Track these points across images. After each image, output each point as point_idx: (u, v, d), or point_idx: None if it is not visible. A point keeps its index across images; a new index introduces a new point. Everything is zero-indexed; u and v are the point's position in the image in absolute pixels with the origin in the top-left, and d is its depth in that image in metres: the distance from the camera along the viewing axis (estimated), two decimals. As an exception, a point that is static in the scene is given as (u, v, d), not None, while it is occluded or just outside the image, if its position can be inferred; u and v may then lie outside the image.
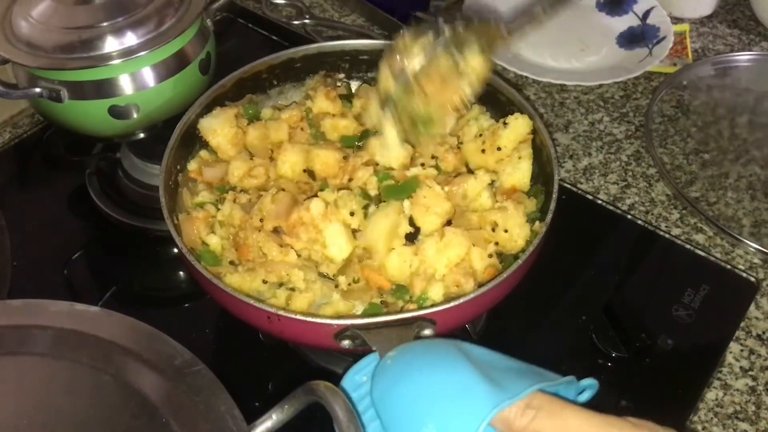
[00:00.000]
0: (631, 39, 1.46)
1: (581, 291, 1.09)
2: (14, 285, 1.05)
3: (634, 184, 1.23)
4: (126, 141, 1.17)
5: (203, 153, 1.03)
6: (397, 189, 0.94)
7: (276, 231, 0.92)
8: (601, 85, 1.39)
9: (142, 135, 1.10)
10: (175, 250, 0.87)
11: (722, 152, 1.27)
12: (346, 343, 0.79)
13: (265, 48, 1.44)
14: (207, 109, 1.03)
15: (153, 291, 1.13)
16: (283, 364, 0.99)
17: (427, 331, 0.79)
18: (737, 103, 1.35)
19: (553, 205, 0.90)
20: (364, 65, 1.14)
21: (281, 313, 0.79)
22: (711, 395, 0.98)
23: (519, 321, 1.02)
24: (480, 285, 0.88)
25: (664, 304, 1.05)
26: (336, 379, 0.96)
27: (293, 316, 0.80)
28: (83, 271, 1.15)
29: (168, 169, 0.95)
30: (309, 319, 0.80)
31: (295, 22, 1.48)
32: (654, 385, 0.98)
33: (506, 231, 0.92)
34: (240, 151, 1.03)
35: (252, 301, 0.80)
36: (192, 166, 1.01)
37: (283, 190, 0.95)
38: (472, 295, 0.81)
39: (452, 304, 0.80)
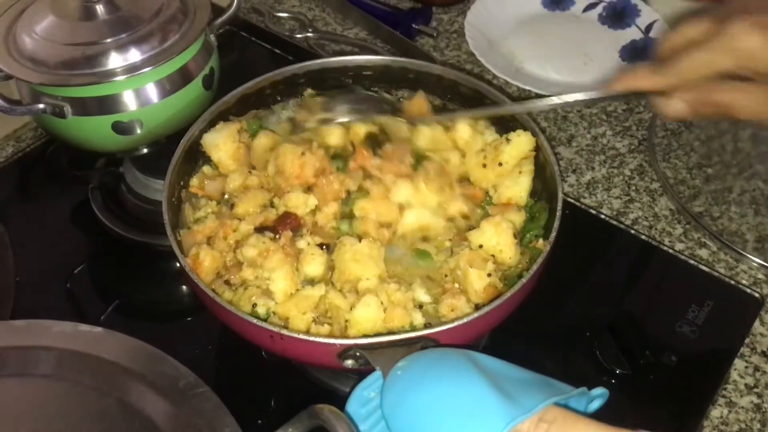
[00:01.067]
0: (634, 52, 1.46)
1: (585, 307, 1.09)
2: (17, 300, 1.05)
3: (638, 199, 1.23)
4: (129, 156, 1.17)
5: (206, 168, 1.04)
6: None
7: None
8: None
9: (145, 150, 1.10)
10: (178, 265, 0.87)
11: (725, 166, 1.27)
12: (349, 362, 0.79)
13: (268, 61, 1.44)
14: (211, 125, 1.03)
15: (155, 305, 1.13)
16: (287, 382, 0.99)
17: None
18: (740, 117, 1.35)
19: (557, 224, 0.89)
20: (368, 81, 1.14)
21: (284, 332, 0.79)
22: (716, 413, 0.98)
23: (521, 338, 1.01)
24: (480, 305, 0.88)
25: (668, 320, 1.05)
26: (340, 397, 0.96)
27: (296, 335, 0.79)
28: (86, 286, 1.14)
29: (171, 186, 0.95)
30: (312, 338, 0.80)
31: (298, 36, 1.48)
32: (658, 402, 0.98)
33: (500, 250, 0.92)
34: (241, 166, 1.03)
35: (254, 321, 0.80)
36: (194, 181, 1.01)
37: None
38: (474, 316, 0.81)
39: (455, 324, 0.80)
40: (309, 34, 1.48)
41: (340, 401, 0.96)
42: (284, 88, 1.11)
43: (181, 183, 1.00)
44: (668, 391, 0.98)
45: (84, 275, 1.15)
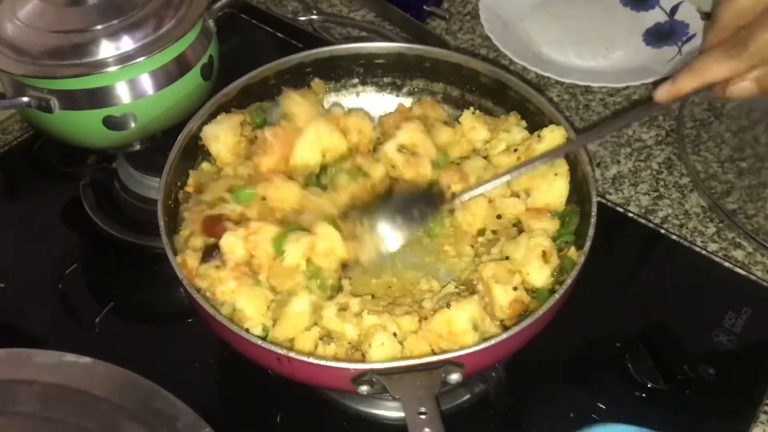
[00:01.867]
0: (658, 36, 1.37)
1: (613, 314, 1.01)
2: (8, 301, 1.01)
3: (667, 195, 1.15)
4: (122, 152, 1.09)
5: (205, 165, 0.96)
6: None
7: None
8: (627, 87, 1.30)
9: (139, 146, 1.02)
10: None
11: (759, 160, 1.19)
12: (364, 389, 0.72)
13: (270, 46, 1.36)
14: (210, 119, 0.95)
15: (151, 307, 1.06)
16: (294, 399, 0.91)
17: (454, 376, 0.72)
18: (774, 105, 1.27)
19: (591, 231, 0.82)
20: (380, 69, 1.06)
21: (292, 355, 0.72)
22: (758, 431, 0.91)
23: (547, 350, 0.94)
24: (505, 321, 0.82)
25: (703, 329, 0.98)
26: (352, 416, 0.90)
27: (306, 359, 0.72)
28: (79, 287, 1.07)
29: (167, 187, 0.88)
30: (323, 363, 0.73)
31: (302, 18, 1.39)
32: (695, 420, 0.90)
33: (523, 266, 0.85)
34: (238, 159, 0.95)
35: (260, 342, 0.73)
36: (191, 180, 0.93)
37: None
38: (502, 338, 0.74)
39: (482, 346, 0.73)
40: (313, 17, 1.39)
41: (353, 421, 0.91)
42: (290, 77, 1.03)
43: (179, 183, 0.92)
44: (706, 408, 0.91)
45: (77, 276, 1.08)
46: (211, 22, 1.03)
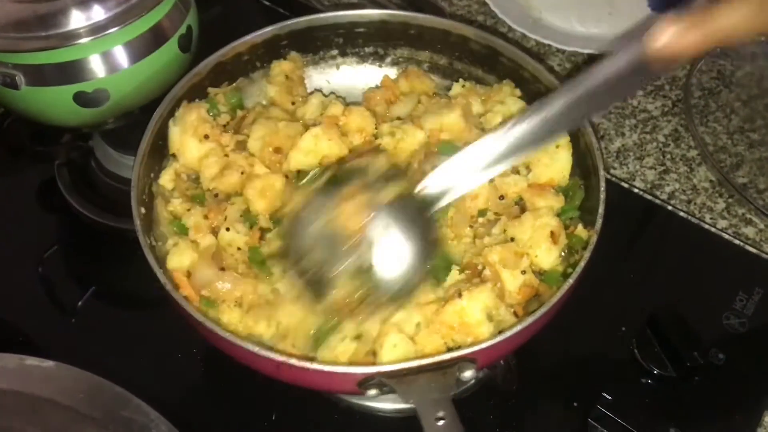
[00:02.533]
0: (664, 1, 1.30)
1: (618, 297, 0.96)
2: None
3: (674, 169, 1.10)
4: (97, 130, 1.02)
5: (176, 165, 0.89)
6: None
7: None
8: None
9: (114, 124, 0.96)
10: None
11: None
12: (372, 392, 0.67)
13: (255, 15, 1.29)
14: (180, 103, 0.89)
15: (134, 292, 1.02)
16: (282, 393, 0.86)
17: (468, 373, 0.67)
18: (785, 73, 1.21)
19: (601, 209, 0.77)
20: (361, 39, 1.00)
21: (293, 362, 0.67)
22: (770, 419, 0.87)
23: (549, 336, 0.89)
24: (515, 307, 0.77)
25: (713, 311, 0.93)
26: (342, 408, 0.85)
27: (307, 365, 0.67)
28: (59, 270, 1.03)
29: (140, 182, 0.82)
30: (326, 368, 0.68)
31: (289, -16, 1.32)
32: (706, 408, 0.87)
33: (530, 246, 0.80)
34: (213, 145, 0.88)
35: (257, 349, 0.68)
36: (164, 178, 0.87)
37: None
38: (516, 329, 0.69)
39: (496, 340, 0.69)
40: (301, -18, 1.32)
41: (345, 414, 0.86)
42: (264, 52, 0.96)
43: (151, 175, 0.86)
44: (716, 395, 0.87)
45: (56, 259, 1.04)
46: (189, -11, 0.97)
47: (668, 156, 1.11)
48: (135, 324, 0.97)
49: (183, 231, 0.83)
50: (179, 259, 0.80)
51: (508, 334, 0.69)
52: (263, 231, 0.84)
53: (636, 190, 1.07)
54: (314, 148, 0.86)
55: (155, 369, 0.90)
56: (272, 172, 0.86)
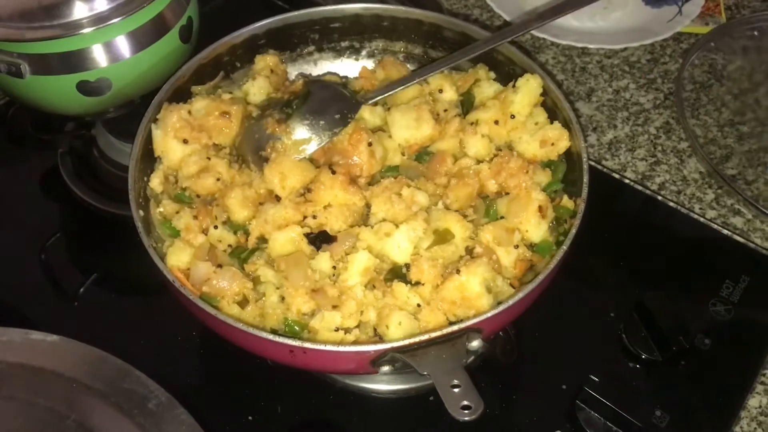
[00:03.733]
0: (660, -5, 1.32)
1: (607, 284, 0.99)
2: None
3: (665, 161, 1.12)
4: (99, 119, 1.05)
5: (163, 167, 0.91)
6: None
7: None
8: (626, 48, 1.26)
9: (115, 113, 0.98)
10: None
11: (761, 123, 1.16)
12: (385, 368, 0.70)
13: (255, 7, 1.30)
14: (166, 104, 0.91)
15: (135, 278, 1.03)
16: (277, 375, 0.88)
17: (475, 343, 0.70)
18: (776, 67, 1.23)
19: (586, 178, 0.81)
20: (336, 34, 1.02)
21: (307, 345, 0.70)
22: (754, 402, 0.89)
23: (540, 321, 0.91)
24: (512, 279, 0.80)
25: (700, 298, 0.95)
26: (337, 389, 0.88)
27: (322, 347, 0.70)
28: (61, 257, 1.05)
29: (135, 185, 0.84)
30: (342, 348, 0.70)
31: (288, -23, 1.34)
32: (691, 391, 0.89)
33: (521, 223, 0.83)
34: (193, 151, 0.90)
35: (270, 336, 0.70)
36: (154, 181, 0.89)
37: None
38: (517, 297, 0.72)
39: (499, 309, 0.72)
40: (300, -24, 1.34)
41: (340, 394, 0.89)
42: (243, 52, 0.98)
43: (145, 179, 0.88)
44: (701, 379, 0.89)
45: (59, 246, 1.06)
46: (190, -18, 0.99)
47: (659, 148, 1.14)
48: (136, 309, 0.99)
49: (175, 233, 0.86)
50: (177, 257, 0.82)
51: (511, 302, 0.72)
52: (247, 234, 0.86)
53: (627, 181, 1.09)
54: None
55: (155, 348, 0.92)
56: (249, 182, 0.87)
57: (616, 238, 1.02)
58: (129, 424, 0.54)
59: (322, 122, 0.87)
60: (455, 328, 0.70)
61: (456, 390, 0.66)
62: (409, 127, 0.89)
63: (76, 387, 0.55)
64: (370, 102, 0.91)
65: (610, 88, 1.21)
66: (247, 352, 0.78)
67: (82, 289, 1.01)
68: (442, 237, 0.81)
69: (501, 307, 0.72)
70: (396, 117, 0.90)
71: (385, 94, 0.92)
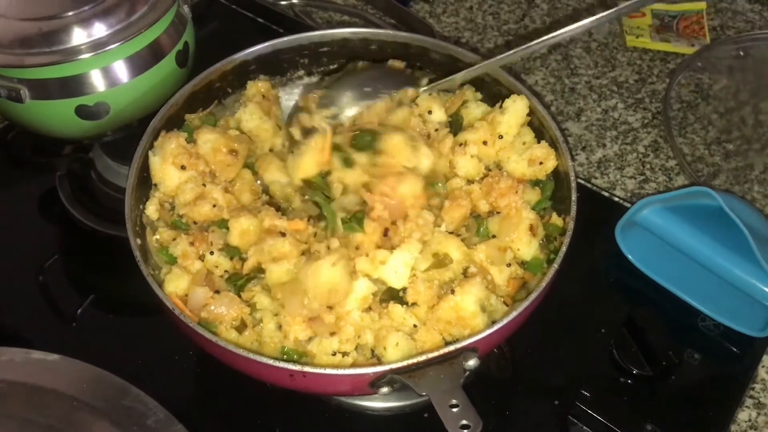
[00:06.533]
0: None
1: (599, 300, 1.00)
2: None
3: (653, 178, 1.14)
4: (97, 142, 1.06)
5: (159, 195, 0.92)
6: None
7: None
8: (614, 69, 1.28)
9: (113, 136, 1.00)
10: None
11: (747, 141, 1.18)
12: (384, 390, 0.71)
13: (250, 32, 1.33)
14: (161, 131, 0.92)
15: (133, 299, 1.04)
16: (274, 394, 0.89)
17: (472, 362, 0.71)
18: (761, 86, 1.25)
19: (574, 196, 0.83)
20: (325, 58, 1.04)
21: (307, 369, 0.71)
22: (743, 416, 0.90)
23: (532, 336, 0.93)
24: (505, 297, 0.82)
25: (689, 314, 0.97)
26: (333, 407, 0.89)
27: (322, 371, 0.71)
28: (59, 279, 1.06)
29: (132, 213, 0.85)
30: (342, 372, 0.72)
31: (283, 3, 1.36)
32: (681, 405, 0.90)
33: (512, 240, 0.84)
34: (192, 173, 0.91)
35: (270, 361, 0.72)
36: (150, 209, 0.90)
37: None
38: (511, 316, 0.74)
39: (494, 328, 0.73)
40: (294, 1, 1.37)
41: (335, 412, 0.89)
42: (234, 78, 1.00)
43: (141, 207, 0.89)
44: (692, 393, 0.91)
45: (56, 268, 1.07)
46: (186, 8, 1.01)
47: (648, 166, 1.16)
48: (133, 330, 1.00)
49: (171, 260, 0.87)
50: (175, 284, 0.83)
51: (505, 320, 0.73)
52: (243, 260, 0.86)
53: (616, 199, 1.11)
54: None
55: (153, 369, 0.92)
56: (248, 210, 0.88)
57: (605, 256, 1.04)
58: (128, 441, 0.55)
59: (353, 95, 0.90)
60: (452, 348, 0.72)
61: (455, 410, 0.68)
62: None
63: (75, 405, 0.56)
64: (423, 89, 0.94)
65: (599, 107, 1.23)
66: (245, 375, 0.80)
67: (79, 311, 1.01)
68: (441, 262, 0.82)
69: (496, 326, 0.74)
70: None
71: (441, 82, 0.95)
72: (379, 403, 0.89)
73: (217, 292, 0.82)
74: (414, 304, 0.80)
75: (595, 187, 1.12)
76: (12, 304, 1.00)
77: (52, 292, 1.05)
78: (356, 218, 0.82)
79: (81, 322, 1.00)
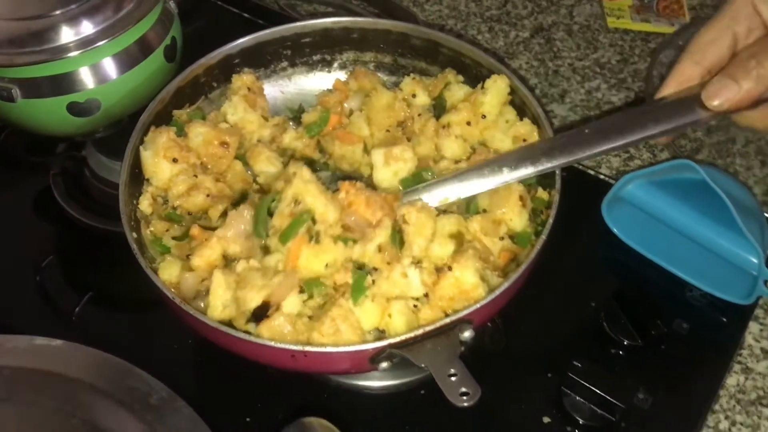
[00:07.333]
0: None
1: (588, 274, 1.02)
2: None
3: (638, 156, 1.16)
4: (89, 139, 1.08)
5: (152, 189, 0.93)
6: None
7: None
8: (596, 50, 1.30)
9: (105, 132, 1.01)
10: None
11: (727, 116, 1.19)
12: (384, 365, 0.73)
13: (236, 27, 1.34)
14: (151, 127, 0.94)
15: (131, 295, 1.06)
16: (273, 374, 0.91)
17: (467, 333, 0.73)
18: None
19: (558, 169, 0.84)
20: (308, 48, 1.05)
21: (308, 349, 0.72)
22: (732, 381, 0.92)
23: (524, 312, 0.95)
24: (497, 271, 0.84)
25: (676, 285, 0.99)
26: (333, 388, 0.91)
27: (323, 350, 0.73)
28: (57, 278, 1.07)
29: (126, 208, 0.87)
30: (342, 349, 0.73)
31: (268, -3, 1.38)
32: (671, 373, 0.92)
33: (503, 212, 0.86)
34: (184, 166, 0.93)
35: (271, 343, 0.73)
36: (143, 204, 0.92)
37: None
38: (505, 286, 0.76)
39: (488, 299, 0.75)
40: (279, -6, 1.38)
41: (333, 392, 0.91)
42: (219, 72, 1.02)
43: (134, 202, 0.91)
44: (681, 361, 0.93)
45: (53, 267, 1.08)
46: (172, 3, 1.03)
47: (632, 144, 1.18)
48: (132, 325, 1.01)
49: (165, 250, 0.89)
50: (169, 271, 0.85)
51: (497, 292, 0.75)
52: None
53: (602, 176, 1.13)
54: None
55: (153, 359, 0.93)
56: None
57: (593, 232, 1.06)
58: (132, 418, 0.56)
59: None
60: (447, 320, 0.74)
61: (453, 378, 0.70)
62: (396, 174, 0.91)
63: (80, 387, 0.58)
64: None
65: (583, 89, 1.25)
66: (244, 361, 0.81)
67: (78, 308, 1.02)
68: (459, 239, 0.84)
69: (489, 297, 0.76)
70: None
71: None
72: (376, 382, 0.91)
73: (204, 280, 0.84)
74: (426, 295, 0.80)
75: (581, 166, 1.14)
76: (11, 305, 1.01)
77: (51, 291, 1.05)
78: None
79: (80, 319, 1.01)
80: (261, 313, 0.78)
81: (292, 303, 0.77)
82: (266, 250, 0.84)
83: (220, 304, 0.79)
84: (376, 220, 0.81)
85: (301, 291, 0.79)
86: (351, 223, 0.82)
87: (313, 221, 0.81)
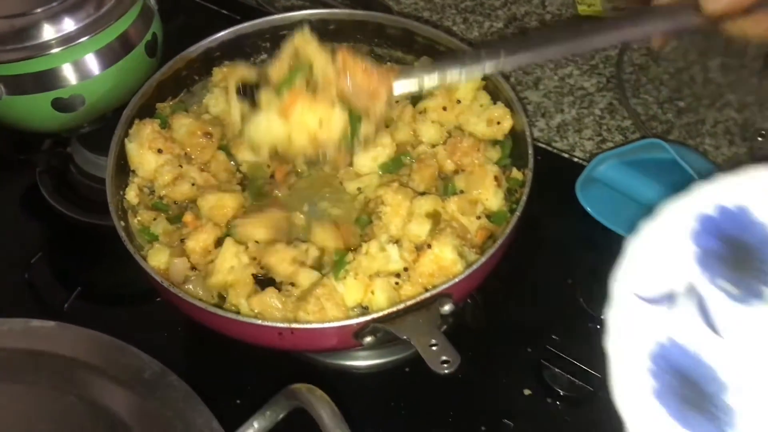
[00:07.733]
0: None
1: (565, 253, 1.06)
2: None
3: (610, 138, 1.20)
4: (74, 135, 1.10)
5: (138, 180, 0.96)
6: None
7: None
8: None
9: (90, 127, 1.03)
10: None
11: (697, 98, 1.24)
12: (368, 340, 0.76)
13: (214, 23, 1.36)
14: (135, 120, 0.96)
15: (119, 288, 1.08)
16: (262, 356, 0.93)
17: (446, 307, 0.76)
18: (708, 46, 1.31)
19: (531, 150, 0.87)
20: (286, 40, 1.08)
21: (295, 326, 0.75)
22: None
23: (504, 290, 0.98)
24: (475, 248, 0.86)
25: (652, 261, 1.02)
26: (320, 369, 0.93)
27: (309, 326, 0.76)
28: (45, 275, 1.08)
29: (114, 199, 0.89)
30: (328, 325, 0.76)
31: (245, -7, 1.40)
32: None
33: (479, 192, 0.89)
34: (170, 157, 0.95)
35: (259, 321, 0.76)
36: (129, 194, 0.94)
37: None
38: (482, 261, 0.79)
39: (466, 273, 0.78)
40: (256, -10, 1.40)
41: (322, 373, 0.94)
42: (201, 65, 1.04)
43: (121, 192, 0.93)
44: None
45: (42, 264, 1.09)
46: (152, 0, 1.05)
47: (605, 127, 1.21)
48: (121, 318, 1.03)
49: (153, 238, 0.91)
50: (157, 258, 0.87)
51: (474, 267, 0.79)
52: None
53: (576, 159, 1.16)
54: None
55: (143, 346, 0.96)
56: (223, 189, 0.93)
57: (568, 213, 1.09)
58: (126, 393, 0.59)
59: None
60: (428, 295, 0.77)
61: (434, 348, 0.73)
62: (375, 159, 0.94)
63: (75, 365, 0.60)
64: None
65: (556, 76, 1.29)
66: (235, 343, 0.83)
67: (66, 305, 1.03)
68: (436, 218, 0.88)
69: (467, 272, 0.79)
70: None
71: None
72: (363, 362, 0.94)
73: (193, 268, 0.87)
74: (405, 269, 0.84)
75: (555, 150, 1.17)
76: (1, 304, 1.02)
77: (40, 288, 1.07)
78: None
79: (70, 315, 1.02)
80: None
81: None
82: None
83: (227, 266, 0.83)
84: (373, 89, 0.80)
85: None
86: (348, 88, 0.80)
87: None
